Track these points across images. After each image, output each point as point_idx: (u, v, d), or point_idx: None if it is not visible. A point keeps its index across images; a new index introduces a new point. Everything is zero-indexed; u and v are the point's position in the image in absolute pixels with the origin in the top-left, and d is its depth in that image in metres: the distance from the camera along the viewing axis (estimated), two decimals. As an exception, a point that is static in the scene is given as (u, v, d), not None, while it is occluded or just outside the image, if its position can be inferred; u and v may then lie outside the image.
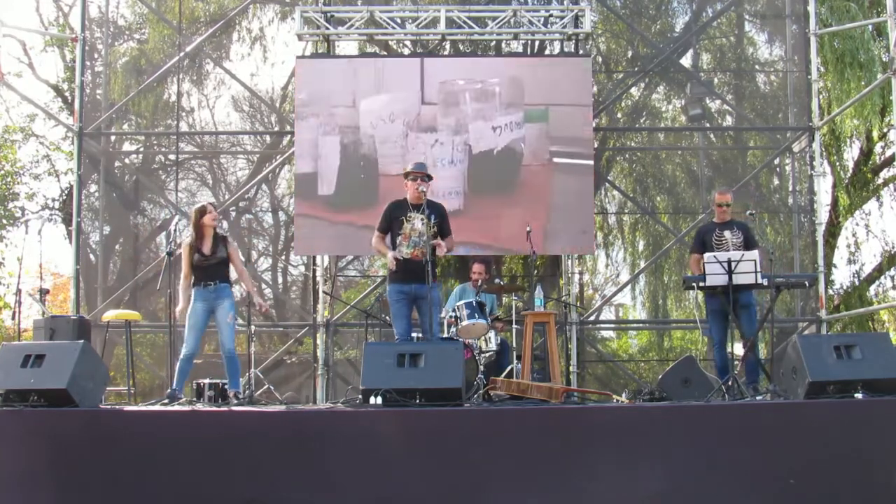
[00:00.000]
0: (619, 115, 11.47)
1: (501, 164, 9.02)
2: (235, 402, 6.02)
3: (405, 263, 5.96)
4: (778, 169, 10.83)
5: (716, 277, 6.00)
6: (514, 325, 7.22)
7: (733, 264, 5.93)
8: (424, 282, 5.82)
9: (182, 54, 10.27)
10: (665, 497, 4.52)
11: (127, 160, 11.12)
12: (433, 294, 5.93)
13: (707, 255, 6.15)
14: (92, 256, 10.66)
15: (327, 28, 9.51)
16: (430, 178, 6.20)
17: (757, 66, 11.18)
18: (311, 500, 4.55)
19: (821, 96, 10.07)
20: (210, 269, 6.26)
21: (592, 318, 10.74)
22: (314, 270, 9.68)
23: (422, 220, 5.97)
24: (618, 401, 6.42)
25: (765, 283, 5.99)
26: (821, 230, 9.57)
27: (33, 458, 4.60)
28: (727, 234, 6.62)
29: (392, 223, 6.12)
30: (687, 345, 12.15)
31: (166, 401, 5.79)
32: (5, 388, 4.85)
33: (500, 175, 9.02)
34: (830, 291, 11.86)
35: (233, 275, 6.51)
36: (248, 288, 6.80)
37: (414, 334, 6.32)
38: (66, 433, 4.66)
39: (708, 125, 11.17)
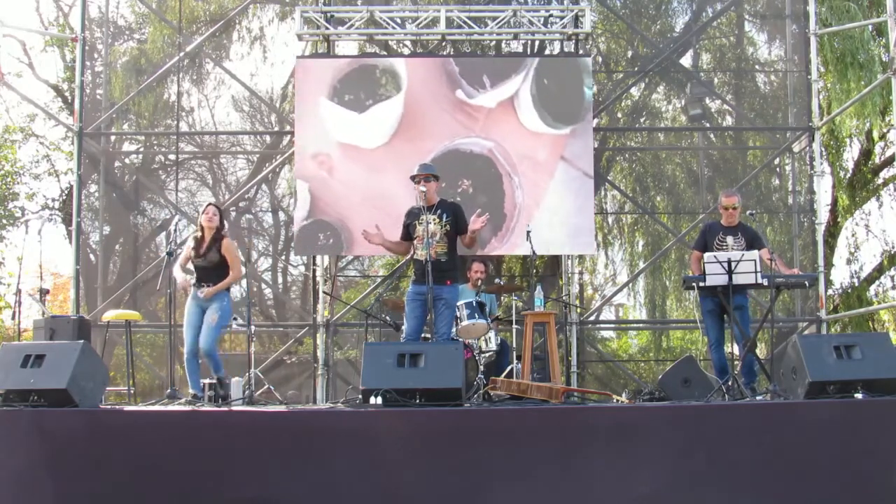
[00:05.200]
0: (619, 115, 11.46)
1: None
2: (220, 389, 6.02)
3: (423, 265, 5.92)
4: (778, 169, 10.82)
5: (716, 277, 6.00)
6: (514, 325, 7.22)
7: (733, 264, 5.93)
8: (442, 283, 5.88)
9: (182, 54, 10.25)
10: (665, 497, 4.52)
11: (127, 160, 11.10)
12: (447, 296, 5.94)
13: (707, 255, 6.13)
14: (92, 256, 10.65)
15: (327, 28, 9.52)
16: (436, 178, 6.14)
17: (757, 66, 11.17)
18: (310, 500, 4.54)
19: (821, 96, 10.06)
20: (201, 271, 6.30)
21: (592, 318, 10.73)
22: (314, 270, 9.67)
23: (433, 220, 5.96)
24: (618, 401, 6.42)
25: (765, 283, 5.98)
26: (821, 230, 9.57)
27: (33, 458, 4.60)
28: (730, 239, 6.52)
29: (408, 229, 6.15)
30: (687, 345, 12.15)
31: (166, 401, 5.80)
32: (5, 388, 4.86)
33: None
34: (830, 291, 11.86)
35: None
36: (234, 277, 6.42)
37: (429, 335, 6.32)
38: (66, 433, 4.66)
39: (708, 125, 11.17)
